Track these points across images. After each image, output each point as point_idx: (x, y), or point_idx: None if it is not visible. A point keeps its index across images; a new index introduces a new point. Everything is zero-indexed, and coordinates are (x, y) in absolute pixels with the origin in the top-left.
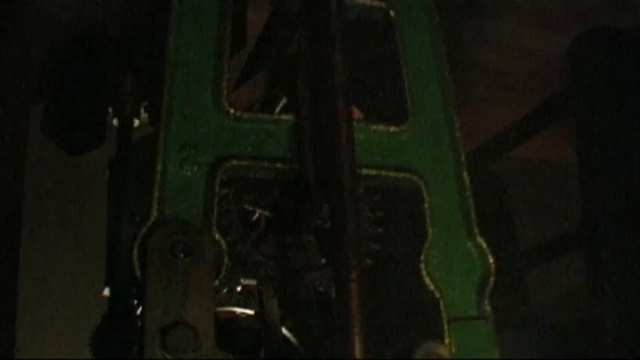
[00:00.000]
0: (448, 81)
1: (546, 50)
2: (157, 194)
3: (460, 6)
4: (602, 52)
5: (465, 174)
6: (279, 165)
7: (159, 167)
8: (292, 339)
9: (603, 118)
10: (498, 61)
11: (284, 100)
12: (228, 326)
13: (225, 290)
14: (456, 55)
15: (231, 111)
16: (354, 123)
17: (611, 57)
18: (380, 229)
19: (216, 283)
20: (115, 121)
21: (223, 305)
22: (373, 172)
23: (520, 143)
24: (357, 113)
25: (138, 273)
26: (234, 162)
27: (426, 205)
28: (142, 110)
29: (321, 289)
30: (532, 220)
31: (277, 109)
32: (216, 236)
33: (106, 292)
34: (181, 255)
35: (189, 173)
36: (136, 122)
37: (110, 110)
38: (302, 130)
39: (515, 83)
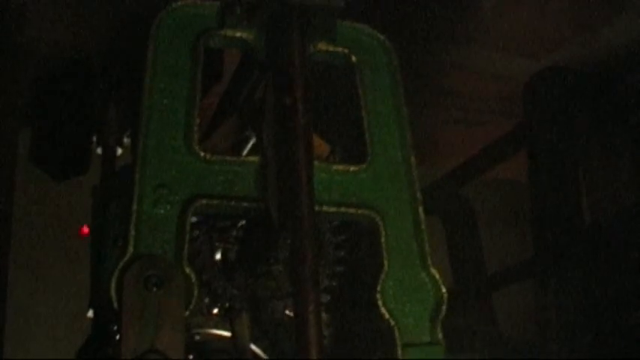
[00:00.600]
0: (406, 121)
1: (518, 75)
2: (133, 232)
3: (436, 34)
4: (552, 91)
5: (420, 209)
6: (245, 204)
7: (135, 206)
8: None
9: (552, 150)
10: (473, 85)
11: (253, 140)
12: (204, 348)
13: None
14: (432, 80)
15: (202, 154)
16: (317, 163)
17: (559, 95)
18: (341, 268)
19: (187, 313)
20: (99, 150)
21: (201, 327)
22: (333, 209)
23: (492, 166)
24: (324, 148)
25: (115, 305)
26: (204, 201)
27: (383, 240)
28: (125, 139)
29: (291, 314)
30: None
31: (247, 149)
32: (187, 270)
33: (90, 313)
34: (154, 289)
35: (162, 211)
36: (119, 151)
37: (94, 139)
38: (267, 171)
39: (489, 107)
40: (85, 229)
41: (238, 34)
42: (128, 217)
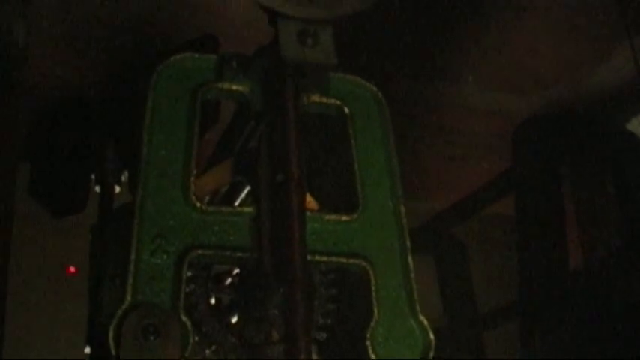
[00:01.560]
0: (397, 171)
1: (511, 112)
2: (131, 281)
3: (430, 73)
4: (540, 137)
5: (409, 258)
6: (239, 254)
7: (133, 256)
8: None
9: (538, 196)
10: (465, 122)
11: (248, 188)
12: None
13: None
14: (426, 118)
15: (198, 204)
16: (309, 213)
17: (546, 141)
18: (333, 306)
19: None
20: (98, 188)
21: None
22: (325, 258)
23: (484, 207)
24: (312, 204)
25: (113, 352)
26: (200, 251)
27: (373, 288)
28: (123, 178)
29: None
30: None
31: (242, 196)
32: (183, 318)
33: (87, 350)
34: (152, 337)
35: (159, 261)
36: (117, 189)
37: (93, 177)
38: (260, 222)
39: (481, 142)
40: (72, 269)
41: (234, 87)
42: (126, 257)
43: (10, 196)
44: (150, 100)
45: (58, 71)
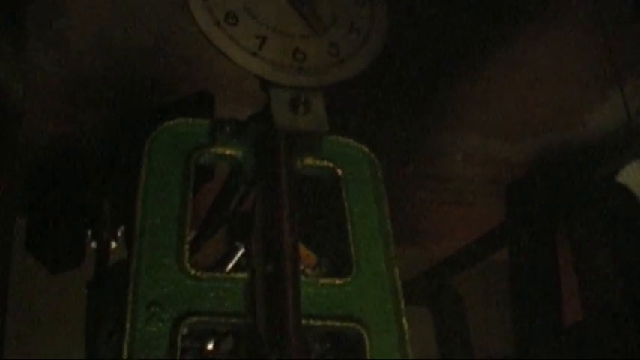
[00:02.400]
0: (390, 233)
1: (507, 160)
2: (126, 349)
3: (428, 123)
4: (531, 195)
5: (404, 320)
6: (234, 320)
7: (128, 325)
8: None
9: (531, 251)
10: (461, 170)
11: (242, 250)
12: None
13: None
14: (425, 166)
15: (192, 272)
16: (303, 278)
17: (538, 198)
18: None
19: None
20: (94, 244)
21: None
22: (319, 322)
23: (480, 258)
24: (312, 258)
25: None
26: (195, 318)
27: (368, 351)
28: (119, 233)
29: None
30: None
31: (236, 259)
32: None
33: None
34: None
35: (154, 329)
36: (113, 244)
37: (89, 233)
38: (255, 287)
39: (476, 188)
40: None
41: (228, 152)
42: (122, 314)
43: (8, 250)
44: (144, 166)
45: (55, 127)
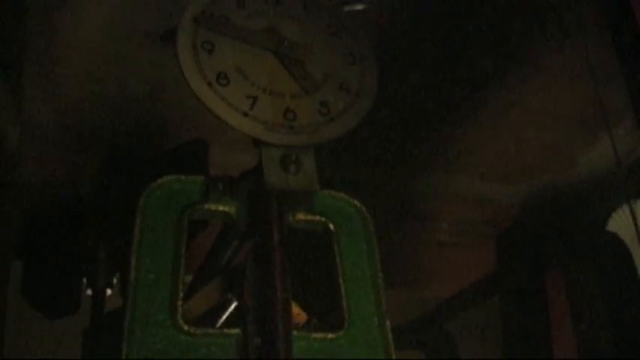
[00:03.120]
0: (381, 287)
1: (498, 200)
2: None
3: (419, 164)
4: (521, 244)
5: None
6: None
7: None
8: None
9: (521, 300)
10: (455, 211)
11: (235, 303)
12: None
13: None
14: (418, 206)
15: (185, 327)
16: (295, 332)
17: (527, 247)
18: None
19: None
20: (89, 291)
21: None
22: None
23: (473, 304)
24: (302, 317)
25: None
26: None
27: None
28: (115, 280)
29: None
30: None
31: (228, 312)
32: None
33: None
34: None
35: None
36: (109, 292)
37: (85, 280)
38: (247, 343)
39: (471, 229)
40: None
41: (221, 208)
42: None
43: (3, 296)
44: (138, 222)
45: (51, 172)
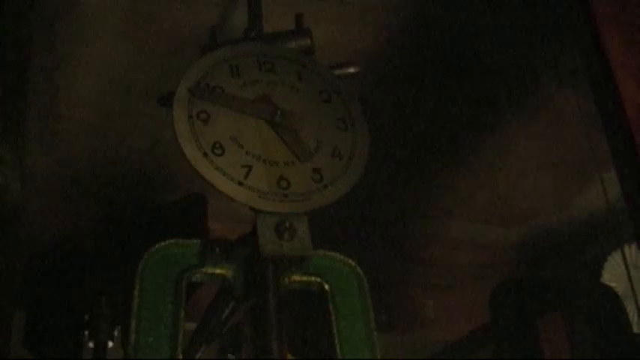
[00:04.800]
0: (376, 346)
1: (494, 243)
2: None
3: (417, 208)
4: (514, 298)
5: None
6: None
7: None
8: None
9: (514, 350)
10: (452, 254)
11: None
12: None
13: None
14: (414, 252)
15: None
16: None
17: (521, 301)
18: None
19: None
20: (91, 344)
21: None
22: None
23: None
24: None
25: None
26: None
27: None
28: (116, 333)
29: None
30: None
31: None
32: None
33: None
34: None
35: None
36: (110, 344)
37: (86, 333)
38: None
39: (466, 272)
40: None
41: (218, 271)
42: None
43: (6, 347)
44: (137, 286)
45: (53, 223)
